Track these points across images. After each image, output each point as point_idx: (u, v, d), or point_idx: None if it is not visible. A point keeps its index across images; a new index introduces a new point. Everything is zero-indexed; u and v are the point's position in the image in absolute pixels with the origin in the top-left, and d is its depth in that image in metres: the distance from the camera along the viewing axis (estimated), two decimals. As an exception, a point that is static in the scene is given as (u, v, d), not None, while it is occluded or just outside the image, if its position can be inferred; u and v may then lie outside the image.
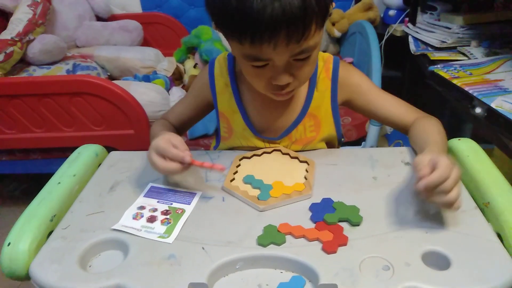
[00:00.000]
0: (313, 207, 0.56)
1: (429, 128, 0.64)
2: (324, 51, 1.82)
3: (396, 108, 0.70)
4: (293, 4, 0.49)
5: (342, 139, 0.78)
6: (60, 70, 1.47)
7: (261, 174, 0.63)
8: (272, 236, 0.51)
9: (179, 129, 0.79)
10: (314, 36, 0.54)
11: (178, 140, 0.60)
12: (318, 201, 0.57)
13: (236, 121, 0.72)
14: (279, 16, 0.49)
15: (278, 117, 0.70)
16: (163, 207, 0.58)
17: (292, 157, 0.68)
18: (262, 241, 0.50)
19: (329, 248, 0.48)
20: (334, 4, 0.60)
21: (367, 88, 0.70)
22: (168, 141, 0.59)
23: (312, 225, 0.53)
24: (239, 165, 0.66)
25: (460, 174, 0.50)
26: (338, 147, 0.78)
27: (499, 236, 0.50)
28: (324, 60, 0.69)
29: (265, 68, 0.57)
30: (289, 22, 0.50)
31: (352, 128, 1.38)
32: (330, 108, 0.70)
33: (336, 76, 0.69)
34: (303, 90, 0.69)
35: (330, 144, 0.75)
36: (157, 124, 0.77)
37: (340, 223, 0.53)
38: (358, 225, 0.52)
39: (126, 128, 1.30)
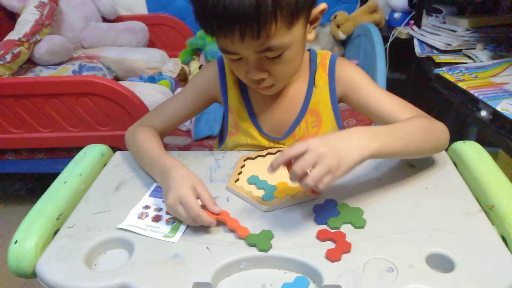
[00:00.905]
0: (317, 209, 0.56)
1: (409, 121, 0.58)
2: (329, 53, 1.83)
3: (391, 105, 0.65)
4: (245, 2, 0.50)
5: None
6: (66, 71, 1.48)
7: (265, 175, 0.63)
8: (259, 240, 0.50)
9: (172, 125, 0.74)
10: (279, 35, 0.54)
11: (204, 192, 0.55)
12: (322, 202, 0.57)
13: (243, 117, 0.72)
14: (231, 11, 0.51)
15: (281, 114, 0.71)
16: (168, 207, 0.58)
17: (296, 159, 0.68)
18: (249, 240, 0.50)
19: (333, 256, 0.47)
20: (325, 5, 0.60)
21: (361, 83, 0.67)
22: (193, 196, 0.53)
23: (316, 227, 0.53)
24: (243, 165, 0.67)
25: (324, 158, 0.46)
26: None
27: (503, 239, 0.50)
28: (322, 56, 0.70)
29: (240, 62, 0.59)
30: (242, 19, 0.51)
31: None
32: (330, 103, 0.70)
33: (333, 70, 0.68)
34: (302, 87, 0.70)
35: None
36: (145, 136, 0.67)
37: (344, 225, 0.53)
38: (361, 228, 0.53)
39: (131, 129, 1.30)
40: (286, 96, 0.70)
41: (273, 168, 0.49)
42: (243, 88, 0.72)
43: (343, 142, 0.49)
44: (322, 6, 0.60)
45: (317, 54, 0.70)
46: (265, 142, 0.72)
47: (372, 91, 0.67)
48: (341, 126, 0.73)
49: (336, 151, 0.48)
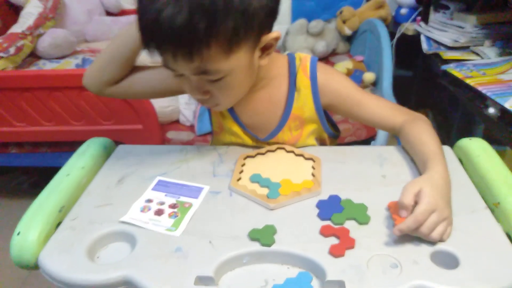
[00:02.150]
0: (320, 204, 0.55)
1: (423, 135, 0.62)
2: (334, 49, 1.82)
3: (381, 110, 0.67)
4: (175, 23, 0.48)
5: (337, 133, 0.76)
6: (69, 64, 1.49)
7: (267, 173, 0.62)
8: (262, 234, 0.50)
9: (137, 86, 0.76)
10: (215, 60, 0.52)
11: None
12: (326, 198, 0.56)
13: (225, 115, 0.71)
14: (164, 30, 0.49)
15: (262, 116, 0.69)
16: (171, 200, 0.58)
17: (296, 155, 0.67)
18: (252, 234, 0.50)
19: (337, 252, 0.47)
20: (278, 33, 0.57)
21: (347, 93, 0.67)
22: None
23: (319, 223, 0.52)
24: (244, 164, 0.65)
25: (445, 215, 0.49)
26: (334, 142, 0.77)
27: (508, 236, 0.50)
28: (301, 58, 0.68)
29: (182, 78, 0.58)
30: (173, 39, 0.50)
31: (362, 127, 1.37)
32: (314, 107, 0.68)
33: (315, 75, 0.67)
34: (283, 91, 0.68)
35: (320, 139, 0.74)
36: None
37: (347, 221, 0.52)
38: (365, 224, 0.52)
39: (134, 123, 1.30)
40: (265, 99, 0.68)
41: (402, 232, 0.48)
42: None
43: (447, 190, 0.53)
44: (275, 34, 0.57)
45: (296, 57, 0.68)
46: (248, 140, 0.71)
47: (360, 99, 0.67)
48: (326, 126, 0.71)
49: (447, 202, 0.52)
